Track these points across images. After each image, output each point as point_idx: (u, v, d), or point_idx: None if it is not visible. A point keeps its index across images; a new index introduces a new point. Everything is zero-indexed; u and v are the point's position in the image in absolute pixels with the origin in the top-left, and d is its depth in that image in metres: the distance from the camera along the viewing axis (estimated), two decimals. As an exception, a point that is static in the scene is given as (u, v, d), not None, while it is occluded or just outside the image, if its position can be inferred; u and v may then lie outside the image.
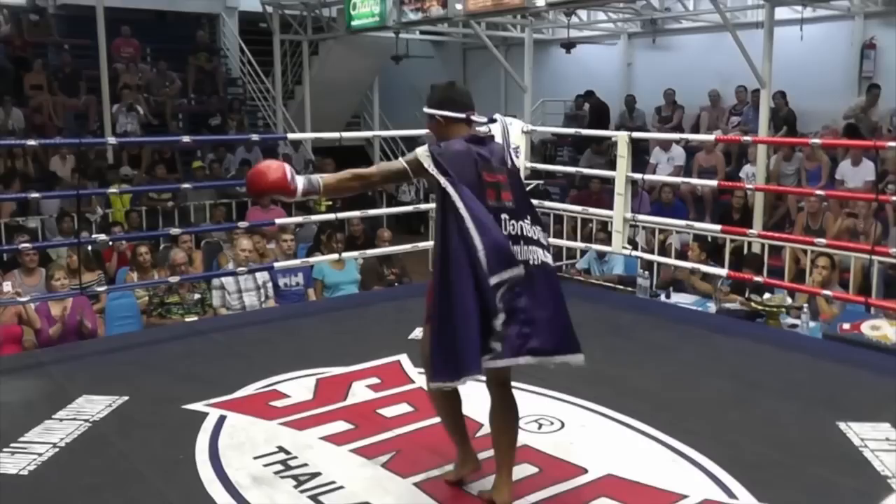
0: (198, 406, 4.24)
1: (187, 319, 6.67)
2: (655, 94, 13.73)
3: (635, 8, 13.70)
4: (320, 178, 3.27)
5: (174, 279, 6.47)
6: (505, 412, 3.31)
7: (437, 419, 3.98)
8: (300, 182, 3.19)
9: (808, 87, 11.68)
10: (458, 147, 3.15)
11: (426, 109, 3.29)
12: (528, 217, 3.17)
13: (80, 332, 6.20)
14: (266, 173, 3.16)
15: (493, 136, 3.26)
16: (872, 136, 10.68)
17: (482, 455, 3.49)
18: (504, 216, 3.11)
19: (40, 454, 3.70)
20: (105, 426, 4.03)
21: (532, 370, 4.67)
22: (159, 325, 6.63)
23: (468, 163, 3.12)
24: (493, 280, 3.00)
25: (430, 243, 8.83)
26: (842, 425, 3.98)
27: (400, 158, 3.30)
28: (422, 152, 3.15)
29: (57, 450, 3.76)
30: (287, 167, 3.19)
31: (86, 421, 4.07)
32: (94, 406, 4.25)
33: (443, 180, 3.06)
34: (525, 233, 3.14)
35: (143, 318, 7.16)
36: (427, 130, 3.44)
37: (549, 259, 3.21)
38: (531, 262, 3.13)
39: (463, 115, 3.25)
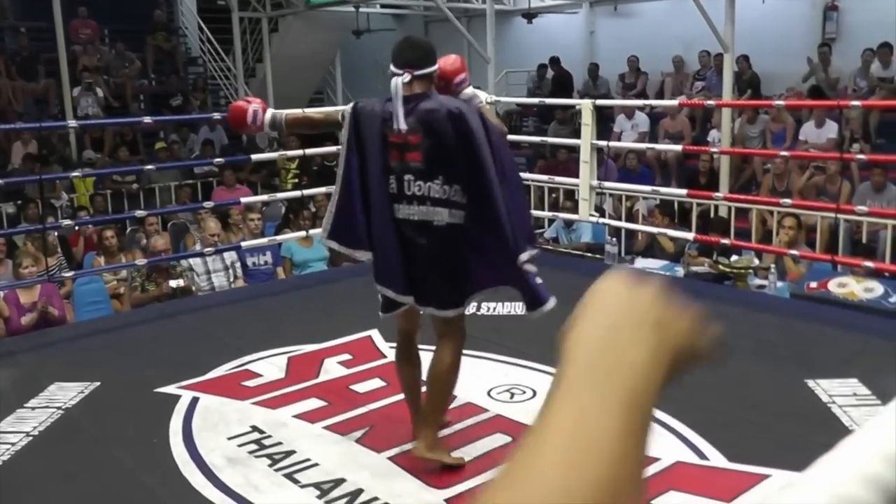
0: (170, 389, 4.23)
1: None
2: (619, 61, 13.73)
3: (596, -25, 13.67)
4: (283, 115, 3.69)
5: (141, 261, 6.41)
6: (433, 363, 3.42)
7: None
8: (267, 117, 3.65)
9: (771, 50, 11.74)
10: (376, 106, 3.33)
11: None
12: (442, 177, 3.21)
13: (46, 319, 6.13)
14: (232, 113, 3.74)
15: (426, 96, 3.27)
16: (834, 95, 10.78)
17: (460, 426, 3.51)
18: (408, 177, 3.24)
19: (13, 444, 3.69)
20: (78, 413, 4.02)
21: (502, 338, 4.71)
22: (141, 300, 6.54)
23: (375, 122, 3.29)
24: (330, 244, 3.53)
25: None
26: (810, 382, 4.04)
27: (344, 108, 3.49)
28: (349, 106, 3.40)
29: (30, 438, 3.74)
30: (252, 107, 3.69)
31: (58, 408, 4.05)
32: (66, 393, 4.23)
33: (342, 139, 3.40)
34: (431, 194, 3.21)
35: (114, 302, 7.10)
36: None
37: (457, 219, 3.23)
38: (433, 223, 3.24)
39: (399, 72, 3.27)
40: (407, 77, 3.25)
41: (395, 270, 3.36)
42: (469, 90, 3.51)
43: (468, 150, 3.16)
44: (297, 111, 3.74)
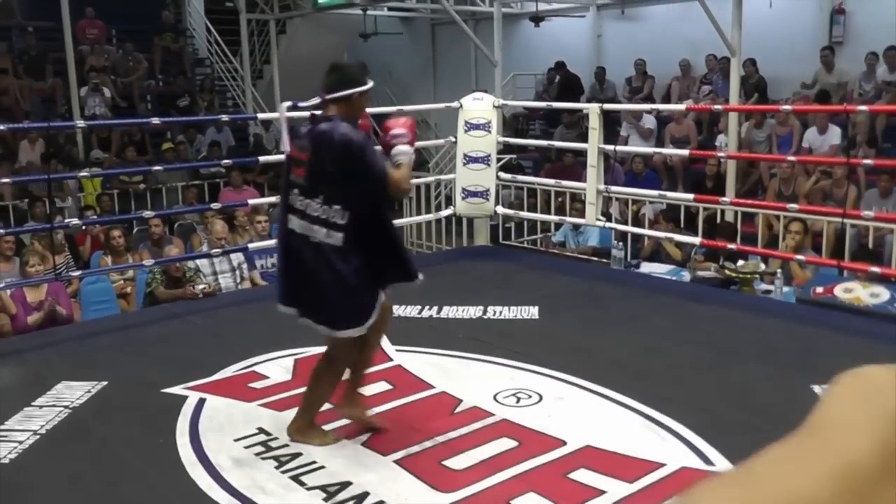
0: (177, 389, 4.24)
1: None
2: (626, 65, 13.73)
3: (603, -21, 13.68)
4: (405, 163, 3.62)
5: (149, 262, 6.43)
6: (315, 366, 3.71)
7: (417, 396, 4.03)
8: (406, 148, 3.58)
9: (778, 54, 11.72)
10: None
11: None
12: (322, 196, 3.39)
13: (53, 317, 6.15)
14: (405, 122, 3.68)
15: (329, 119, 3.49)
16: (840, 99, 10.76)
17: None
18: (295, 190, 3.48)
19: (21, 442, 3.70)
20: (85, 412, 4.03)
21: (509, 342, 4.72)
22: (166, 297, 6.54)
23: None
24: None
25: (406, 220, 8.84)
26: (816, 388, 4.03)
27: None
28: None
29: (38, 437, 3.75)
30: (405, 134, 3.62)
31: (66, 407, 4.06)
32: (74, 392, 4.24)
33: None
34: (309, 211, 3.41)
35: (121, 301, 7.13)
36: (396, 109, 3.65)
37: (330, 241, 3.39)
38: (310, 238, 3.41)
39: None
40: (316, 100, 3.56)
41: (280, 280, 3.67)
42: (403, 148, 3.55)
43: (346, 175, 3.37)
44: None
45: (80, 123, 8.31)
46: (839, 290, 5.48)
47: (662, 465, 3.35)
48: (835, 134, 9.83)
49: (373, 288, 3.52)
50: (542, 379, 4.29)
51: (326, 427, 3.71)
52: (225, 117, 9.12)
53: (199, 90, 14.63)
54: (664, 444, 3.55)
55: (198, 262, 6.82)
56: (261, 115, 10.61)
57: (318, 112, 3.57)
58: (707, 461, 3.39)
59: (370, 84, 3.61)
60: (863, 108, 6.35)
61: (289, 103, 3.67)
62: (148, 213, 6.98)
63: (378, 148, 3.56)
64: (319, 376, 3.66)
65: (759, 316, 5.35)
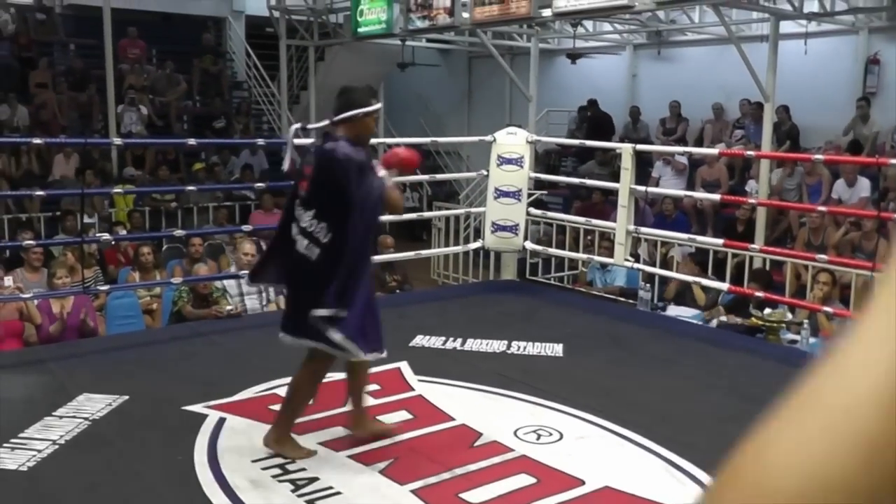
0: (197, 408, 4.25)
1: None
2: (660, 105, 13.74)
3: (641, 19, 13.71)
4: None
5: (176, 280, 6.47)
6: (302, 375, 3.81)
7: (437, 427, 4.02)
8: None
9: (811, 102, 11.69)
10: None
11: None
12: (314, 211, 3.56)
13: (82, 330, 6.21)
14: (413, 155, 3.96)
15: (335, 138, 3.64)
16: (872, 150, 10.71)
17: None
18: (298, 201, 3.66)
19: (40, 451, 3.71)
20: (105, 425, 4.04)
21: (531, 378, 4.70)
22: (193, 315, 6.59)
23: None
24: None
25: (433, 251, 8.86)
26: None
27: None
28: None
29: (56, 447, 3.77)
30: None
31: (86, 419, 4.08)
32: (95, 405, 4.26)
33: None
34: (302, 223, 3.60)
35: (146, 317, 7.18)
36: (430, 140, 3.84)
37: (311, 253, 3.55)
38: (297, 247, 3.60)
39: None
40: (325, 122, 3.75)
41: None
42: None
43: (338, 192, 3.51)
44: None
45: (117, 140, 8.42)
46: (866, 344, 5.40)
47: (683, 511, 3.32)
48: (864, 186, 9.77)
49: (357, 314, 3.55)
50: (563, 417, 4.26)
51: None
52: (261, 141, 9.19)
53: (235, 113, 14.80)
54: (683, 490, 3.51)
55: (225, 282, 6.85)
56: (296, 141, 10.70)
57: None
58: (727, 509, 3.34)
59: (376, 106, 3.74)
60: (895, 161, 6.30)
61: (298, 125, 3.88)
62: (179, 232, 7.04)
63: (376, 170, 3.67)
64: (298, 388, 3.79)
65: (784, 366, 5.28)
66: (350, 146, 3.57)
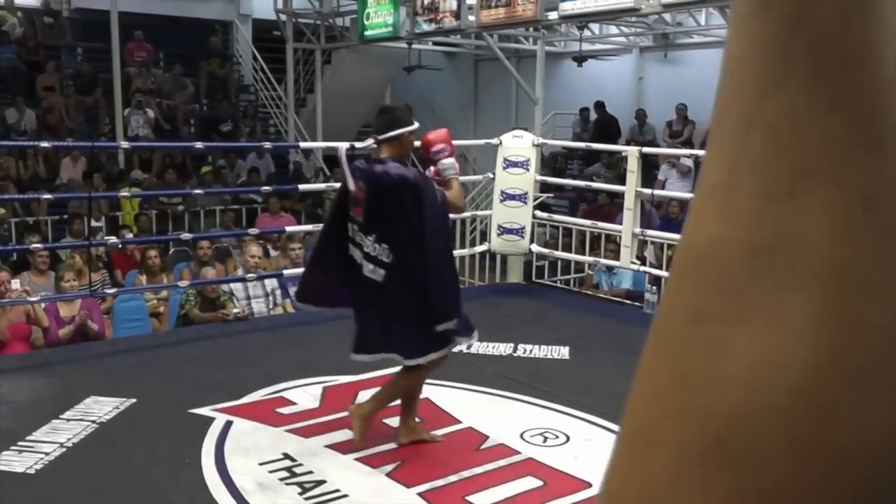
0: (204, 411, 4.26)
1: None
2: (666, 108, 13.72)
3: (647, 22, 13.71)
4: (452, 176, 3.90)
5: (183, 283, 6.48)
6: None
7: (444, 430, 4.02)
8: (450, 160, 3.88)
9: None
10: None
11: None
12: (375, 235, 3.62)
13: (85, 332, 6.21)
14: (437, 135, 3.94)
15: (382, 162, 3.70)
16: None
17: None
18: (353, 226, 3.73)
19: (47, 454, 3.72)
20: (112, 428, 4.05)
21: (537, 381, 4.70)
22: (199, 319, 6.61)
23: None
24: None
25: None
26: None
27: None
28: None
29: (64, 450, 3.78)
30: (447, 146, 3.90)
31: (93, 422, 4.09)
32: (102, 407, 4.27)
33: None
34: (365, 248, 3.65)
35: (153, 320, 7.18)
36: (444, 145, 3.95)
37: (376, 277, 3.62)
38: (363, 271, 3.66)
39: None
40: (370, 141, 3.82)
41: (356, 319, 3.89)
42: (447, 161, 3.86)
43: (398, 213, 3.56)
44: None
45: (124, 144, 8.45)
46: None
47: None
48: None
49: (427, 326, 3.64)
50: (570, 420, 4.26)
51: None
52: (267, 145, 9.22)
53: (242, 116, 14.81)
54: None
55: (232, 285, 6.85)
56: (302, 144, 10.74)
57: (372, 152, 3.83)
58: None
59: (416, 125, 3.84)
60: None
61: (347, 145, 3.93)
62: (186, 235, 7.05)
63: (431, 180, 3.74)
64: (395, 381, 3.88)
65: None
66: (399, 166, 3.64)
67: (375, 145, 3.78)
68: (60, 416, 4.13)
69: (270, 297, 6.97)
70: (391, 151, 3.71)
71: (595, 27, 14.27)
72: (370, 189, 3.64)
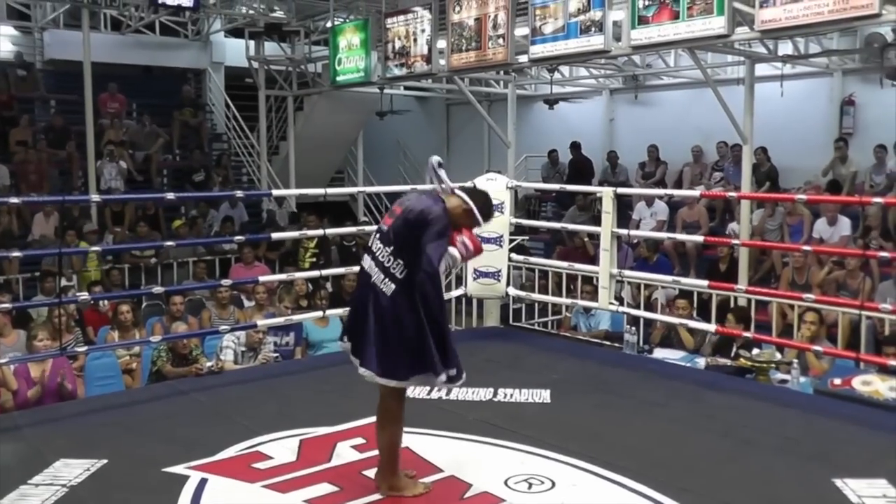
0: (178, 469, 4.13)
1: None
2: (638, 148, 13.81)
3: (617, 64, 13.84)
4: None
5: (156, 338, 6.37)
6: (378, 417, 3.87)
7: (426, 479, 3.94)
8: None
9: (789, 143, 11.78)
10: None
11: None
12: (392, 248, 3.69)
13: (60, 393, 6.06)
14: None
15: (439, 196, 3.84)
16: (851, 189, 10.78)
17: None
18: (378, 235, 3.80)
19: (15, 522, 3.59)
20: (83, 491, 3.91)
21: (520, 426, 4.62)
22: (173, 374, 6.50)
23: None
24: None
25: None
26: (837, 482, 3.91)
27: None
28: None
29: (33, 516, 3.64)
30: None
31: (63, 486, 3.95)
32: (72, 470, 4.13)
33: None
34: (380, 256, 3.72)
35: (126, 377, 7.05)
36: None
37: (386, 288, 3.66)
38: (372, 279, 3.71)
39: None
40: (456, 184, 3.93)
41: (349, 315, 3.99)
42: (453, 251, 3.78)
43: (415, 239, 3.62)
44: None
45: (95, 197, 8.33)
46: (857, 383, 5.36)
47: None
48: (845, 225, 9.82)
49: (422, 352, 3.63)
50: (554, 464, 4.17)
51: None
52: (240, 193, 9.14)
53: (215, 165, 14.75)
54: (681, 539, 3.42)
55: (228, 342, 6.71)
56: (276, 192, 10.67)
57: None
58: (726, 558, 3.26)
59: (481, 220, 3.87)
60: (878, 199, 6.32)
61: (438, 158, 3.94)
62: (158, 289, 6.91)
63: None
64: (382, 427, 3.83)
65: (776, 406, 5.24)
66: (442, 213, 3.70)
67: (450, 187, 3.86)
68: (29, 482, 3.98)
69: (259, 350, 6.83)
70: (451, 207, 3.78)
71: (565, 70, 14.39)
72: (407, 207, 3.75)
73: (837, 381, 5.43)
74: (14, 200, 6.50)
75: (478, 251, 3.85)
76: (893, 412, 4.98)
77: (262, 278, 7.44)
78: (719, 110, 9.68)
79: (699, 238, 8.68)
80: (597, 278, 6.76)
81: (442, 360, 3.65)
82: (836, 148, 11.34)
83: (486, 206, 3.92)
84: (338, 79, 13.27)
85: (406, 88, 15.98)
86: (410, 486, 3.84)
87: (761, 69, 10.68)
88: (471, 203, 3.83)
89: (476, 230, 3.91)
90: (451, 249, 3.73)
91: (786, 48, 10.75)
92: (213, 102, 16.63)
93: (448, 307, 7.80)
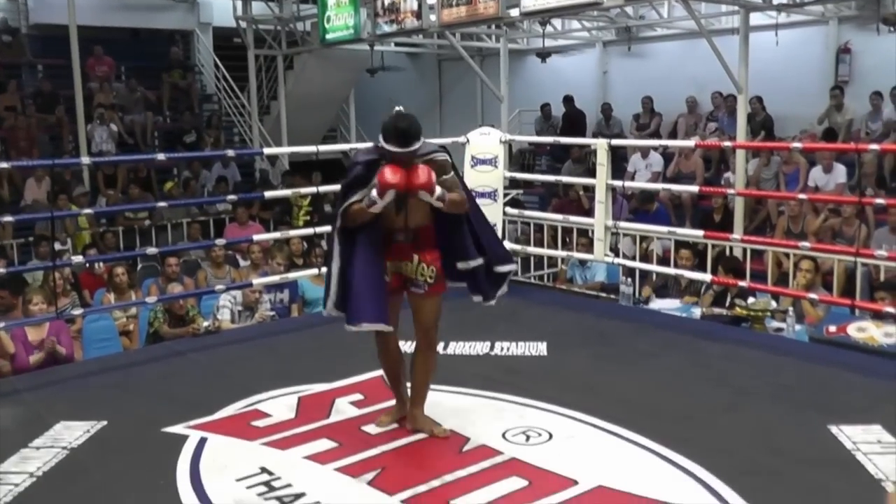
0: (178, 429, 4.15)
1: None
2: (632, 101, 13.73)
3: (610, 16, 13.70)
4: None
5: (151, 299, 6.37)
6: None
7: (424, 434, 3.94)
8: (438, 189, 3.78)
9: (784, 92, 11.71)
10: None
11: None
12: None
13: (55, 357, 6.06)
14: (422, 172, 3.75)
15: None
16: (846, 137, 10.75)
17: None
18: None
19: (17, 484, 3.60)
20: (83, 453, 3.93)
21: (517, 379, 4.63)
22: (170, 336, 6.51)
23: None
24: None
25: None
26: (833, 429, 3.94)
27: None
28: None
29: (34, 479, 3.65)
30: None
31: (63, 448, 3.97)
32: (72, 433, 4.14)
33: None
34: None
35: (123, 339, 7.06)
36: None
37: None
38: None
39: None
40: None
41: None
42: (438, 192, 3.82)
43: None
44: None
45: (85, 160, 8.27)
46: (852, 329, 5.38)
47: (678, 507, 3.25)
48: (840, 172, 9.80)
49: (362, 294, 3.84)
50: (551, 417, 4.19)
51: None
52: (231, 152, 9.09)
53: (206, 126, 14.66)
54: (679, 485, 3.44)
55: (225, 302, 6.70)
56: (267, 151, 10.62)
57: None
58: (723, 502, 3.29)
59: (387, 146, 3.73)
60: (874, 146, 6.30)
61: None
62: (152, 250, 6.91)
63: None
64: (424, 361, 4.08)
65: (771, 354, 5.25)
66: (356, 160, 3.92)
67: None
68: (29, 445, 4.00)
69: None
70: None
71: (557, 23, 14.25)
72: None
73: (833, 329, 5.45)
74: (4, 165, 6.43)
75: (381, 181, 3.71)
76: (888, 358, 5.01)
77: (256, 237, 7.41)
78: (714, 61, 9.62)
79: (694, 188, 8.65)
80: (592, 231, 6.76)
81: (333, 299, 3.93)
82: (831, 96, 11.29)
83: (386, 132, 3.75)
84: (327, 37, 13.14)
85: (397, 45, 15.85)
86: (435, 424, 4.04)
87: (756, 18, 10.59)
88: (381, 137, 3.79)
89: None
90: (438, 192, 3.76)
91: (780, -4, 10.66)
92: (202, 63, 16.48)
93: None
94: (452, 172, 3.91)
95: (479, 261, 4.00)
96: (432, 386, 4.16)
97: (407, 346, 4.24)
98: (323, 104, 15.87)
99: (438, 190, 3.74)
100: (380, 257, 3.89)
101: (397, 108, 3.79)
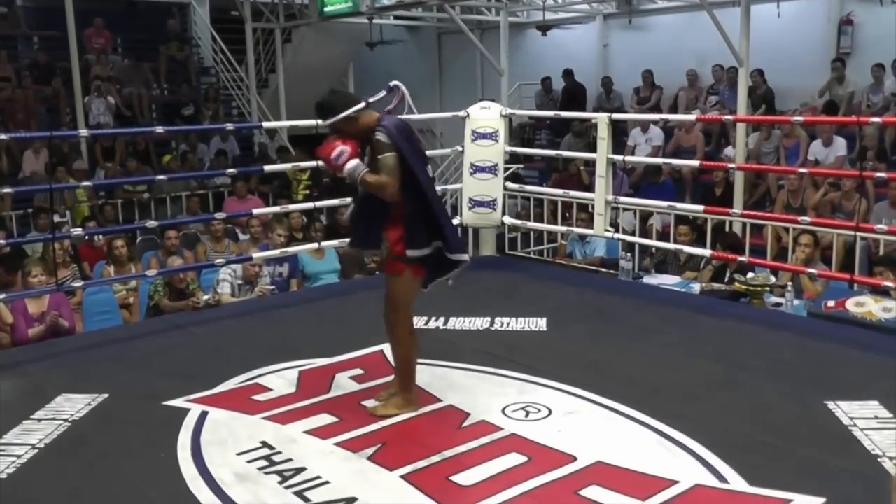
0: (179, 402, 4.17)
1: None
2: (632, 74, 13.67)
3: (610, -12, 13.64)
4: (362, 172, 3.81)
5: (151, 272, 6.37)
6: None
7: (424, 409, 3.96)
8: (350, 164, 3.79)
9: (785, 65, 11.66)
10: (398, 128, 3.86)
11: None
12: None
13: (56, 330, 6.07)
14: (322, 148, 3.88)
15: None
16: (848, 110, 10.72)
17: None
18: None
19: (19, 456, 3.62)
20: (85, 425, 3.95)
21: (516, 355, 4.65)
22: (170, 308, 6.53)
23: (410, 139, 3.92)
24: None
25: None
26: (830, 404, 3.96)
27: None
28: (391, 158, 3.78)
29: (36, 451, 3.68)
30: (339, 147, 3.81)
31: (65, 420, 3.99)
32: (74, 405, 4.17)
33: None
34: None
35: (123, 312, 7.07)
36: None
37: None
38: None
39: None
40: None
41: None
42: (350, 165, 3.82)
43: None
44: (377, 176, 3.82)
45: (83, 132, 8.24)
46: (851, 304, 5.40)
47: (675, 482, 3.27)
48: (840, 146, 9.77)
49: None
50: (551, 392, 4.21)
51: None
52: (229, 126, 9.05)
53: (203, 99, 14.59)
54: (677, 461, 3.47)
55: (224, 276, 6.69)
56: (266, 124, 10.58)
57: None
58: (721, 478, 3.31)
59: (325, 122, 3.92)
60: (875, 119, 6.27)
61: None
62: (151, 223, 6.89)
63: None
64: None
65: (770, 329, 5.27)
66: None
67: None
68: (31, 417, 4.02)
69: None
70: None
71: (558, -5, 14.16)
72: None
73: (831, 304, 5.46)
74: (2, 137, 6.41)
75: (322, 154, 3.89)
76: (886, 333, 5.03)
77: (255, 211, 7.41)
78: (715, 33, 9.57)
79: (695, 163, 8.64)
80: (592, 205, 6.75)
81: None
82: (832, 69, 11.24)
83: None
84: (325, 9, 13.05)
85: (396, 18, 15.74)
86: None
87: (757, -10, 10.52)
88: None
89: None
90: (349, 168, 3.82)
91: (782, -33, 10.60)
92: (199, 36, 16.36)
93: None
94: (389, 154, 3.77)
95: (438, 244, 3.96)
96: (431, 361, 4.19)
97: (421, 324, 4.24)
98: (322, 77, 15.75)
99: (349, 165, 3.79)
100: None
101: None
